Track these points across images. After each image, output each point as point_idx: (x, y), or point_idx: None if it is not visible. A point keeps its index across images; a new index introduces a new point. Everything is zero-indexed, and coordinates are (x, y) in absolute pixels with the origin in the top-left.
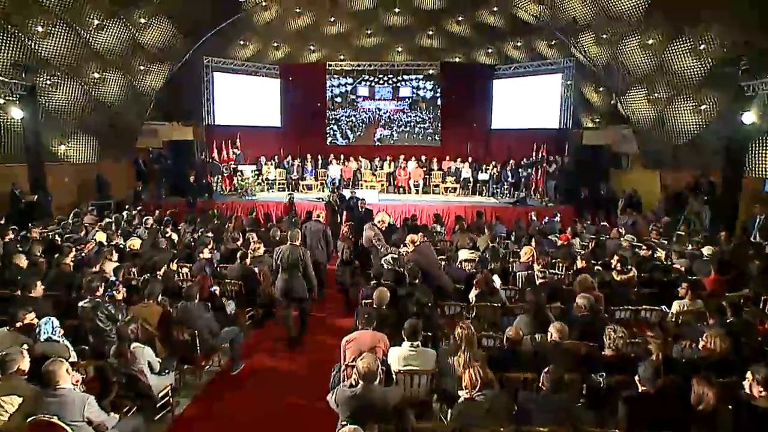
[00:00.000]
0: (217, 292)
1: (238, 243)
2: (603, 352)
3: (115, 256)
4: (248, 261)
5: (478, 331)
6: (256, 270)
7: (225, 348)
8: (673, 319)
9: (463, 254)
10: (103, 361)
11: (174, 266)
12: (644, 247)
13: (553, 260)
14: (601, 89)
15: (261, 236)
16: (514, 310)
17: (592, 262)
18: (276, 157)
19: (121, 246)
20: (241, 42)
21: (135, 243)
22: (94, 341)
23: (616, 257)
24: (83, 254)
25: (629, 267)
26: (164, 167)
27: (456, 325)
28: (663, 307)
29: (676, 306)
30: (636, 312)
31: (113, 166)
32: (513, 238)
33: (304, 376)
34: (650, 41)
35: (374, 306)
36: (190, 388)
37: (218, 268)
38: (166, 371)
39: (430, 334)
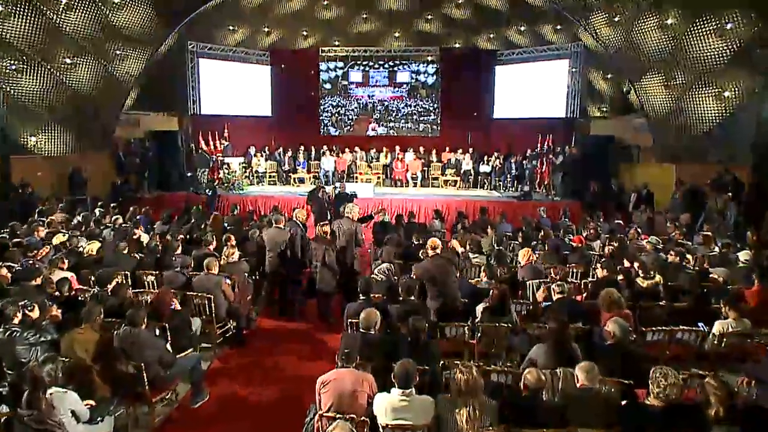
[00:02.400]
0: (176, 306)
1: (211, 247)
2: (647, 401)
3: (67, 264)
4: (214, 270)
5: (485, 357)
6: (227, 281)
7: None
8: (716, 342)
9: None
10: (11, 413)
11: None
12: (672, 252)
13: (568, 265)
14: (609, 76)
15: (240, 238)
16: (526, 330)
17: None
18: (267, 148)
19: (79, 250)
20: (230, 27)
21: (93, 247)
22: (14, 380)
23: (636, 264)
24: (30, 262)
25: (652, 273)
26: (147, 159)
27: (456, 361)
28: (701, 324)
29: (718, 327)
30: (671, 333)
31: (92, 158)
32: (520, 239)
33: (276, 410)
34: (669, 21)
35: (360, 330)
36: (142, 428)
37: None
38: (99, 419)
39: (427, 367)
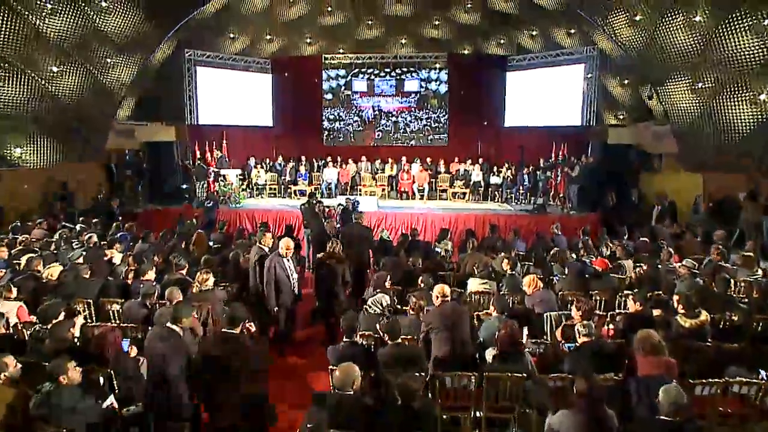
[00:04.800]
0: (132, 352)
1: (184, 271)
2: None
3: (15, 293)
4: (177, 300)
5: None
6: (194, 314)
7: None
8: None
9: (473, 284)
10: None
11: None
12: (710, 277)
13: (591, 292)
14: (626, 81)
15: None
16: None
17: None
18: (267, 159)
19: (38, 274)
20: (231, 35)
21: (54, 271)
22: None
23: (676, 297)
24: None
25: (697, 310)
26: (141, 171)
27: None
28: (763, 373)
29: None
30: (725, 386)
31: (82, 171)
32: (534, 260)
33: None
34: (697, 18)
35: (335, 388)
36: None
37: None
38: None
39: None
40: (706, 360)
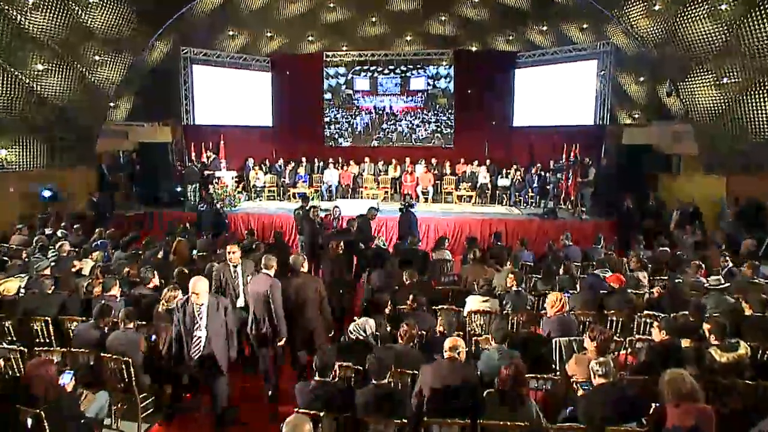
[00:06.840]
0: (68, 386)
1: (152, 285)
2: None
3: None
4: (131, 323)
5: None
6: (153, 338)
7: None
8: None
9: (473, 302)
10: None
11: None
12: (743, 295)
13: (606, 312)
14: (642, 78)
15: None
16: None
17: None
18: (266, 160)
19: None
20: (230, 32)
21: (11, 286)
22: None
23: (707, 325)
24: None
25: (736, 340)
26: (135, 173)
27: None
28: None
29: None
30: None
31: (74, 173)
32: (542, 273)
33: None
34: (723, 6)
35: None
36: None
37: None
38: None
39: None
40: (745, 402)
